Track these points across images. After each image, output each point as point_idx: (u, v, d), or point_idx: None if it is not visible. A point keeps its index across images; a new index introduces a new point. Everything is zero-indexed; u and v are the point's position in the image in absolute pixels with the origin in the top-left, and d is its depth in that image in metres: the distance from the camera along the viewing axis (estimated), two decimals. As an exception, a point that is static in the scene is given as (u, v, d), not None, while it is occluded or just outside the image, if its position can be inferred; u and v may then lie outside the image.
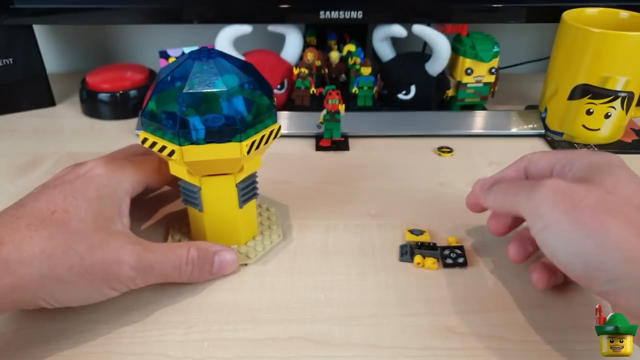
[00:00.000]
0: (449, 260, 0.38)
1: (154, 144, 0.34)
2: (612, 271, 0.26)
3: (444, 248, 0.39)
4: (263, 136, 0.35)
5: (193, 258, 0.34)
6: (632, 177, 0.30)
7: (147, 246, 0.32)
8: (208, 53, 0.33)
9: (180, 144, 0.32)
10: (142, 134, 0.34)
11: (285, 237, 0.41)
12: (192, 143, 0.32)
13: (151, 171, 0.37)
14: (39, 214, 0.30)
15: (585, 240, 0.27)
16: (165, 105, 0.32)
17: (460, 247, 0.39)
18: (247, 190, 0.37)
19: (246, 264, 0.38)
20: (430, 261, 0.38)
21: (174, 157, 0.33)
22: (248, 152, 0.33)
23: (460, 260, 0.38)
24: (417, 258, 0.38)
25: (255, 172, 0.38)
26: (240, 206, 0.37)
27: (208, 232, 0.38)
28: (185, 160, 0.33)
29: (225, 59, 0.33)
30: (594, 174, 0.30)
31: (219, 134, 0.32)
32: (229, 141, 0.33)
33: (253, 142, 0.34)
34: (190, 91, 0.31)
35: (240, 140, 0.33)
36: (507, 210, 0.33)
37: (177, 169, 0.36)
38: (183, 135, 0.32)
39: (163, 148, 0.33)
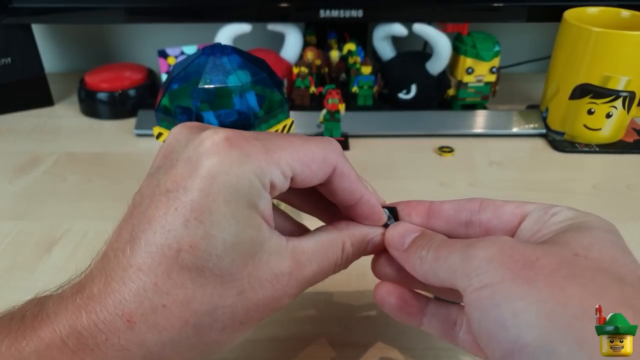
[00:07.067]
0: None
1: None
2: (555, 353, 0.18)
3: None
4: (276, 131, 0.35)
5: (348, 255, 0.26)
6: (616, 242, 0.22)
7: (301, 255, 0.24)
8: (222, 49, 0.33)
9: None
10: (157, 129, 0.35)
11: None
12: None
13: (300, 155, 0.23)
14: (161, 259, 0.20)
15: (532, 307, 0.19)
16: (179, 100, 0.33)
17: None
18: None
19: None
20: None
21: None
22: None
23: None
24: None
25: None
26: None
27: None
28: None
29: (238, 54, 0.34)
30: (567, 233, 0.22)
31: (232, 129, 0.33)
32: None
33: None
34: (205, 86, 0.32)
35: None
36: (441, 283, 0.23)
37: None
38: None
39: None
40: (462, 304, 0.26)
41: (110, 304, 0.20)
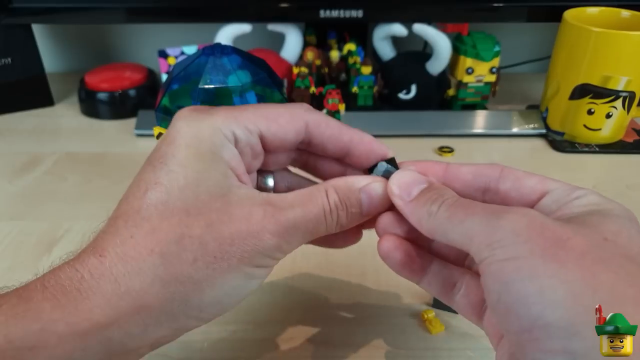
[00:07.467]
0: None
1: None
2: (578, 335, 0.18)
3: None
4: None
5: (336, 202, 0.25)
6: None
7: (279, 202, 0.24)
8: (222, 49, 0.33)
9: None
10: (157, 129, 0.35)
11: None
12: None
13: (263, 113, 0.25)
14: (134, 203, 0.22)
15: (560, 286, 0.18)
16: (179, 101, 0.33)
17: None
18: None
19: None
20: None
21: None
22: None
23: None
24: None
25: None
26: None
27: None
28: None
29: (238, 54, 0.34)
30: (593, 217, 0.21)
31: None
32: None
33: None
34: (205, 86, 0.32)
35: None
36: (450, 243, 0.23)
37: None
38: None
39: None
40: (466, 267, 0.27)
41: (90, 248, 0.23)
